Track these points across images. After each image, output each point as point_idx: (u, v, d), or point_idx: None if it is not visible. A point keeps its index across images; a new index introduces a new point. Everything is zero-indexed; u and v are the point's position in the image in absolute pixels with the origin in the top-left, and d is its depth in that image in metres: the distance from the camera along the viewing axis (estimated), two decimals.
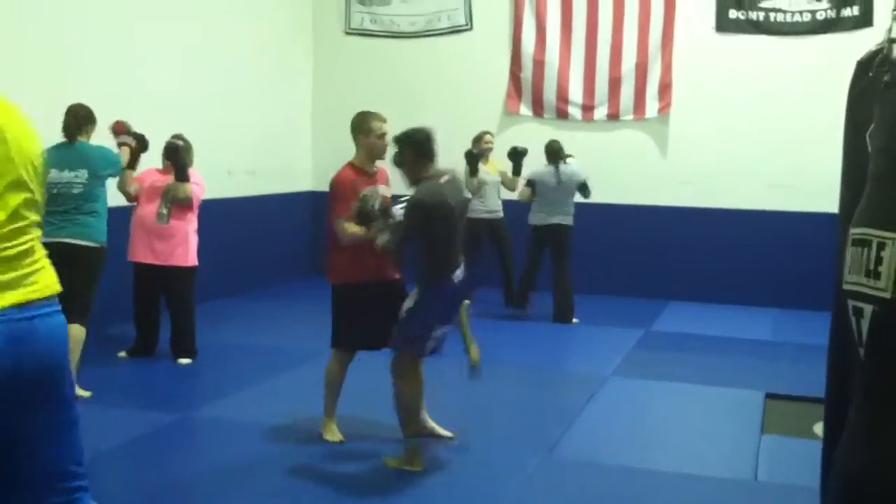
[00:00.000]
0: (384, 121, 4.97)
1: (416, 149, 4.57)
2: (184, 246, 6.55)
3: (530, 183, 8.43)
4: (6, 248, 2.30)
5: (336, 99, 10.69)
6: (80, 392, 5.43)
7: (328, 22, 10.82)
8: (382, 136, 4.90)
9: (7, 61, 6.32)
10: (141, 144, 6.26)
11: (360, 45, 10.73)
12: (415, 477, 4.48)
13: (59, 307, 2.44)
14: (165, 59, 8.25)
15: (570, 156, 8.54)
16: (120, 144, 6.19)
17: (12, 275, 2.30)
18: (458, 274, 4.57)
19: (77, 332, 5.51)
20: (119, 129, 6.23)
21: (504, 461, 4.78)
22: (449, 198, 4.50)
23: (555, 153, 8.42)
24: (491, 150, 8.85)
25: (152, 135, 6.53)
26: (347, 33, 10.78)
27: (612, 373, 6.71)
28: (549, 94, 10.13)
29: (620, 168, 9.92)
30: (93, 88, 6.47)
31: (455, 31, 10.42)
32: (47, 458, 2.42)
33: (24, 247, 2.34)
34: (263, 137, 9.90)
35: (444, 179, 4.54)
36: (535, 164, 8.57)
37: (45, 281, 2.39)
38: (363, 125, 4.97)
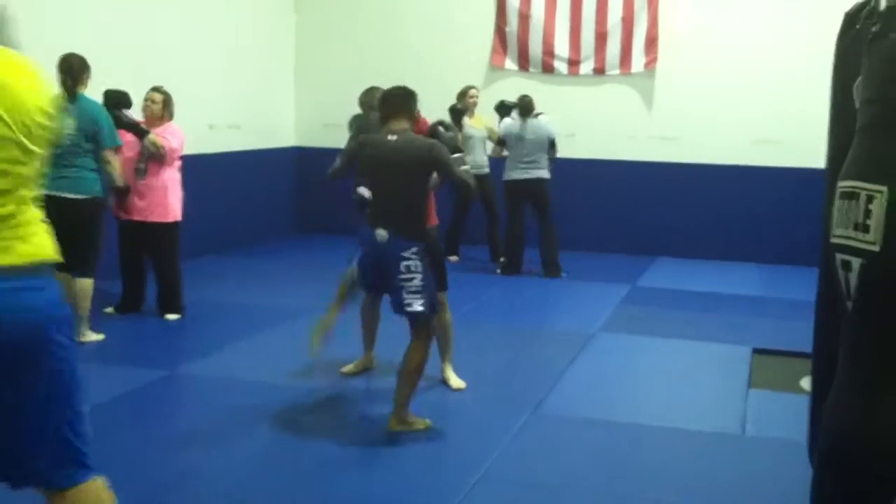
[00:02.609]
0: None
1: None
2: (163, 201, 6.49)
3: (500, 140, 8.41)
4: None
5: (319, 53, 10.60)
6: (93, 336, 5.96)
7: None
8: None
9: None
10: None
11: None
12: (402, 435, 4.48)
13: (34, 281, 2.29)
14: (146, 11, 8.13)
15: (540, 113, 8.48)
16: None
17: None
18: (381, 233, 4.43)
19: (82, 284, 5.78)
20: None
21: (491, 419, 4.78)
22: (372, 148, 4.57)
23: (524, 107, 8.41)
24: (476, 104, 8.80)
25: (134, 87, 6.45)
26: None
27: (598, 329, 6.71)
28: (535, 48, 10.04)
29: (606, 123, 9.88)
30: (76, 40, 6.35)
31: None
32: (31, 435, 2.35)
33: None
34: (246, 92, 9.80)
35: (390, 137, 4.52)
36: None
37: (17, 250, 2.26)
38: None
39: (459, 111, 8.13)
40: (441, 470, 4.19)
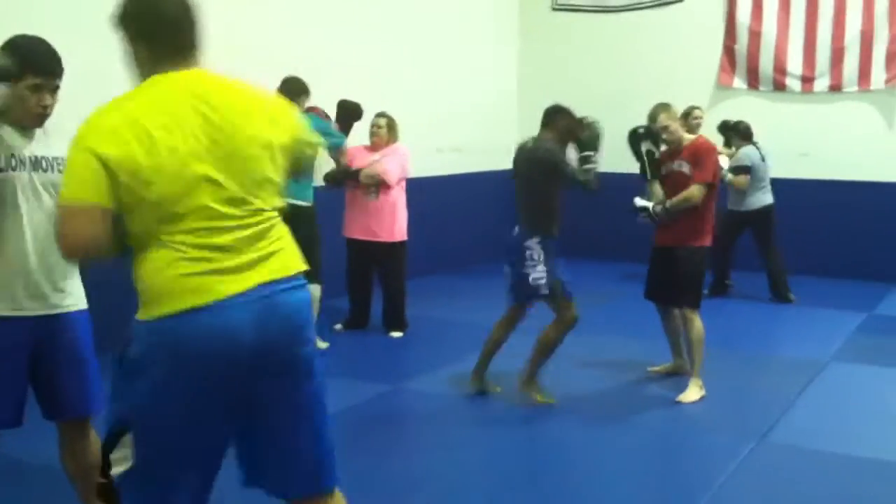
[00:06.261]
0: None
1: None
2: (392, 222, 6.71)
3: (745, 169, 8.09)
4: (242, 229, 2.32)
5: (543, 75, 10.65)
6: (321, 344, 5.89)
7: None
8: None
9: (227, 38, 6.59)
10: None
11: (567, 20, 10.63)
12: (627, 456, 4.44)
13: (303, 283, 2.44)
14: (376, 37, 8.44)
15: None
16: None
17: (252, 255, 2.33)
18: None
19: (312, 290, 5.89)
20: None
21: (718, 445, 4.66)
22: None
23: (748, 131, 8.25)
24: (700, 125, 8.57)
25: (370, 111, 6.74)
26: (554, 9, 10.71)
27: (831, 357, 6.39)
28: (766, 65, 9.71)
29: (842, 142, 9.40)
30: (311, 63, 6.68)
31: (664, 4, 10.16)
32: (291, 437, 2.44)
33: (259, 228, 2.35)
34: (471, 115, 9.96)
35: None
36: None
37: (285, 261, 2.41)
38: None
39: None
40: (666, 493, 4.10)
